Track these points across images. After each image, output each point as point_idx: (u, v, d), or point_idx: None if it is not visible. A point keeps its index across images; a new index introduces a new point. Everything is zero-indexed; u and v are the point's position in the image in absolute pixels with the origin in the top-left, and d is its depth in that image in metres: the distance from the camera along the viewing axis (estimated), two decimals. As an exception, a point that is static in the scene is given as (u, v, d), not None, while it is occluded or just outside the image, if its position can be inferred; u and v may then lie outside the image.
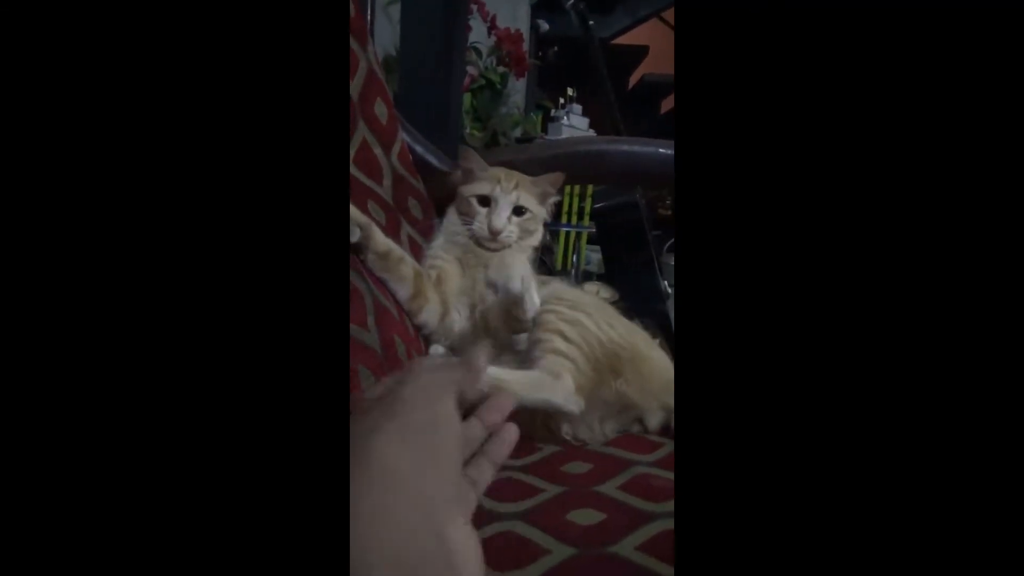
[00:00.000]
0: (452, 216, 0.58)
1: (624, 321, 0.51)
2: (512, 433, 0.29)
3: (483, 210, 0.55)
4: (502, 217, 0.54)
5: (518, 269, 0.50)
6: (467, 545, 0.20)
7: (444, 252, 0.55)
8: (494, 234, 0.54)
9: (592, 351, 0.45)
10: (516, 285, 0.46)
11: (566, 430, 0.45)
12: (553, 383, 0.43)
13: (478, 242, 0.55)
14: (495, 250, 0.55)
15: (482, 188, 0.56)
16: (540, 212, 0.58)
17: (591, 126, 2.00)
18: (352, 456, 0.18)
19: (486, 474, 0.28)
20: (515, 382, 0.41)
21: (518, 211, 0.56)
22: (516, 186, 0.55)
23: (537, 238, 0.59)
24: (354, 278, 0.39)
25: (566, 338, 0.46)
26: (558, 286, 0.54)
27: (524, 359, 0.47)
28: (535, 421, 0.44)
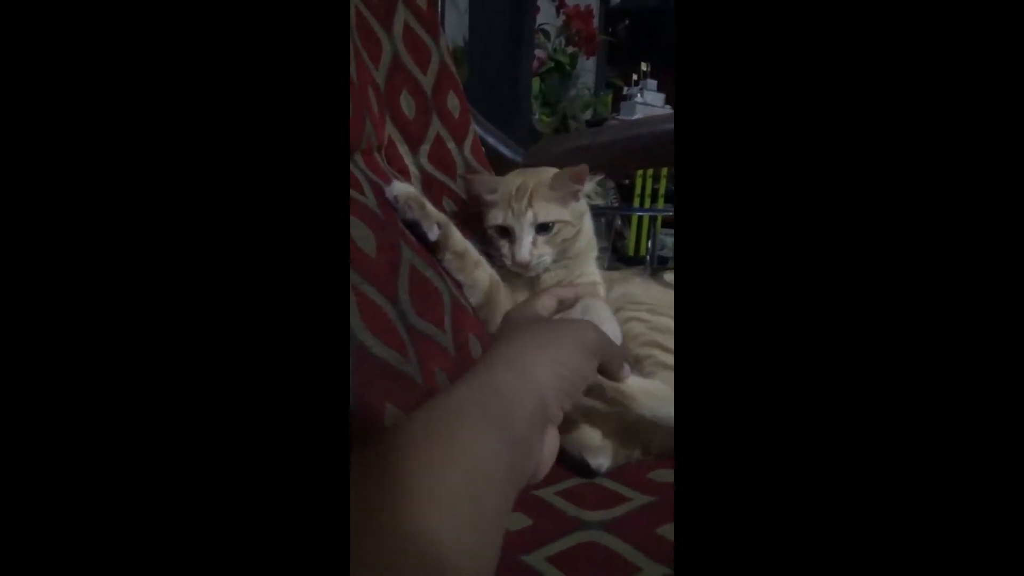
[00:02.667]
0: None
1: None
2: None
3: (504, 242, 0.47)
4: (526, 245, 0.46)
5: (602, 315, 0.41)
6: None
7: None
8: (523, 267, 0.46)
9: None
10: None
11: (658, 443, 0.41)
12: (671, 393, 0.38)
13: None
14: (532, 276, 0.48)
15: (495, 217, 0.47)
16: (571, 214, 0.49)
17: (668, 102, 1.88)
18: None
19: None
20: (643, 392, 0.36)
21: (542, 228, 0.47)
22: (529, 202, 0.46)
23: (588, 234, 0.51)
24: (432, 277, 0.38)
25: (666, 349, 0.41)
26: (629, 288, 0.49)
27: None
28: (627, 431, 0.40)
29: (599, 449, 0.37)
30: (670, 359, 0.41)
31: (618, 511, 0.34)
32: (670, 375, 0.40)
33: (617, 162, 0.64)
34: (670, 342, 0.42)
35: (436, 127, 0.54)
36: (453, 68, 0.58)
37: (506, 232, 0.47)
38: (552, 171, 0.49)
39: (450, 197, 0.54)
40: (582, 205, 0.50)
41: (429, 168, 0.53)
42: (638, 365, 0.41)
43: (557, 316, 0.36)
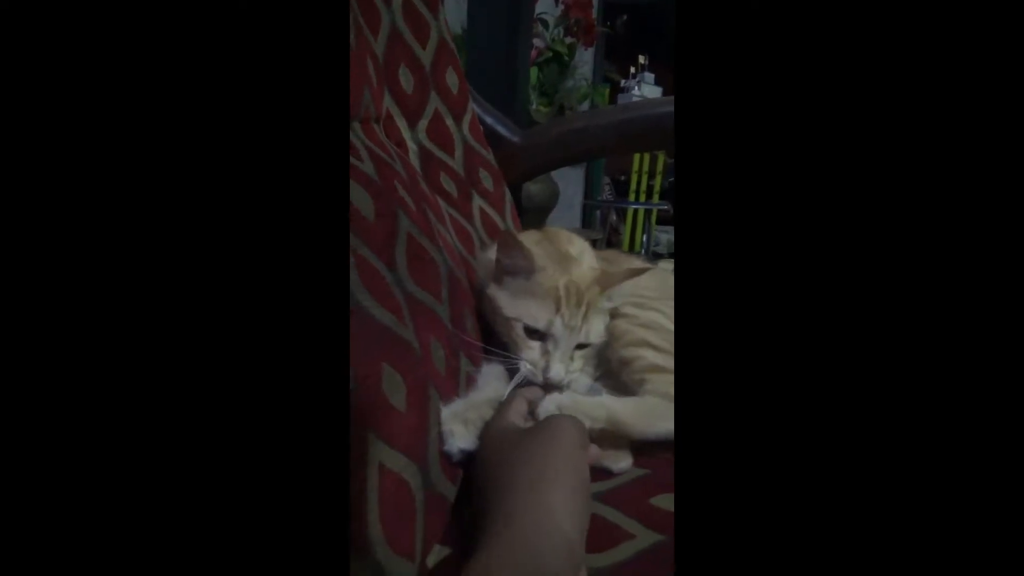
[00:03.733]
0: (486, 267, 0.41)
1: None
2: None
3: (535, 344, 0.37)
4: (561, 363, 0.36)
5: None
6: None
7: None
8: (551, 385, 0.37)
9: None
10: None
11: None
12: (669, 408, 0.36)
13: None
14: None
15: (533, 314, 0.37)
16: (604, 333, 0.40)
17: (665, 95, 1.88)
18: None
19: None
20: (630, 414, 0.35)
21: (582, 345, 0.38)
22: (586, 313, 0.37)
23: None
24: (429, 248, 0.38)
25: (655, 348, 0.38)
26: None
27: (612, 380, 0.40)
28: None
29: (616, 456, 0.36)
30: (660, 359, 0.38)
31: (611, 483, 0.34)
32: (661, 378, 0.37)
33: (614, 145, 0.64)
34: (660, 339, 0.38)
35: (435, 102, 0.54)
36: (452, 44, 0.57)
37: (540, 337, 0.37)
38: (593, 266, 0.40)
39: (448, 174, 0.54)
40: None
41: (428, 144, 0.52)
42: (626, 368, 0.38)
43: (530, 421, 0.32)
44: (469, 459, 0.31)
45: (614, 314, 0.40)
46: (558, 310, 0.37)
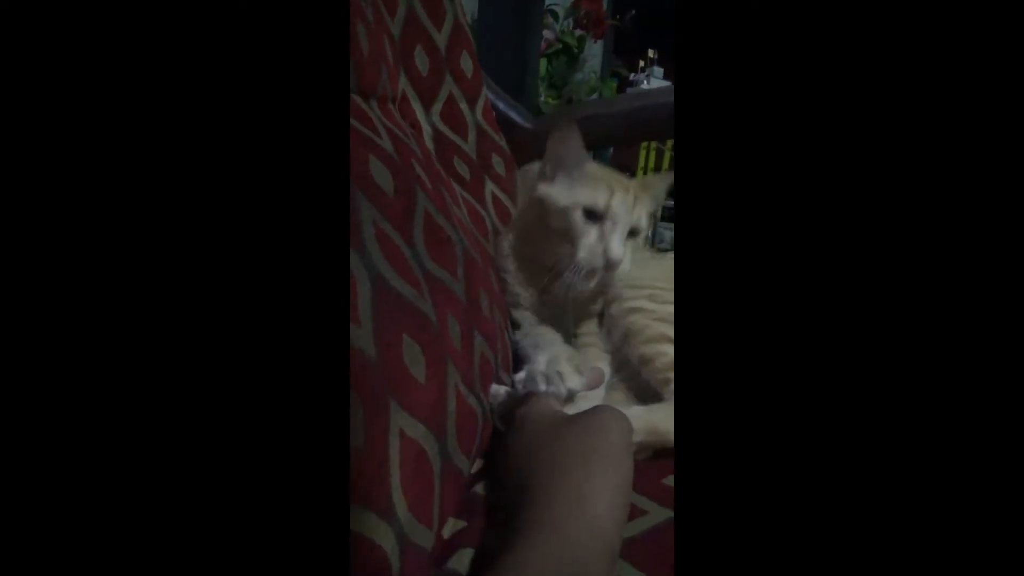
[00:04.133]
0: (506, 252, 0.43)
1: None
2: None
3: (592, 229, 0.38)
4: (621, 242, 0.38)
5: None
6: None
7: (524, 290, 0.43)
8: (612, 266, 0.38)
9: None
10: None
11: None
12: None
13: (565, 287, 0.39)
14: (586, 289, 0.39)
15: (591, 196, 0.38)
16: (648, 216, 0.42)
17: (673, 91, 1.88)
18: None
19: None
20: (668, 416, 0.34)
21: (633, 233, 0.40)
22: (636, 198, 0.39)
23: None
24: (446, 226, 0.38)
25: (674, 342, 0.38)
26: (625, 265, 0.42)
27: (631, 376, 0.40)
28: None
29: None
30: None
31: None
32: None
33: (624, 133, 0.64)
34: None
35: (449, 86, 0.54)
36: (467, 28, 0.57)
37: (597, 219, 0.38)
38: (645, 181, 0.43)
39: (461, 158, 0.54)
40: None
41: (441, 126, 0.52)
42: (648, 366, 0.38)
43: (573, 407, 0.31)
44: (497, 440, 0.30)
45: (630, 309, 0.40)
46: (613, 192, 0.39)
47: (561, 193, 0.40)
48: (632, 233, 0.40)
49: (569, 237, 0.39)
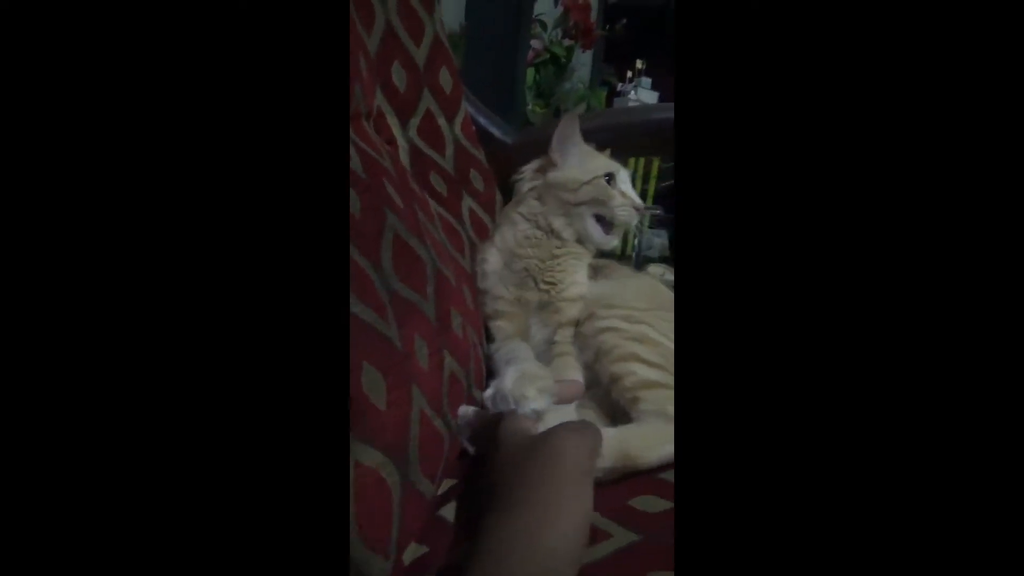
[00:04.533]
0: (520, 224, 0.48)
1: None
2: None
3: (615, 190, 0.47)
4: (633, 191, 0.48)
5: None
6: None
7: (505, 288, 0.46)
8: (640, 211, 0.47)
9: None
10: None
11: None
12: (668, 426, 0.35)
13: (580, 240, 0.48)
14: (610, 246, 0.48)
15: (607, 165, 0.48)
16: None
17: (661, 101, 1.89)
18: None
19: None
20: (642, 447, 0.34)
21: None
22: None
23: None
24: (416, 246, 0.38)
25: (646, 362, 0.38)
26: (604, 286, 0.46)
27: (602, 395, 0.40)
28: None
29: None
30: (652, 373, 0.37)
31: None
32: (655, 394, 0.36)
33: (607, 148, 0.64)
34: (651, 353, 0.38)
35: (427, 101, 0.54)
36: (447, 43, 0.57)
37: (612, 181, 0.47)
38: None
39: (439, 174, 0.54)
40: None
41: (418, 142, 0.52)
42: (617, 385, 0.38)
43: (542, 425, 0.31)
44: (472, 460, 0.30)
45: (603, 329, 0.40)
46: (607, 159, 0.49)
47: (576, 171, 0.48)
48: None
49: (599, 202, 0.47)
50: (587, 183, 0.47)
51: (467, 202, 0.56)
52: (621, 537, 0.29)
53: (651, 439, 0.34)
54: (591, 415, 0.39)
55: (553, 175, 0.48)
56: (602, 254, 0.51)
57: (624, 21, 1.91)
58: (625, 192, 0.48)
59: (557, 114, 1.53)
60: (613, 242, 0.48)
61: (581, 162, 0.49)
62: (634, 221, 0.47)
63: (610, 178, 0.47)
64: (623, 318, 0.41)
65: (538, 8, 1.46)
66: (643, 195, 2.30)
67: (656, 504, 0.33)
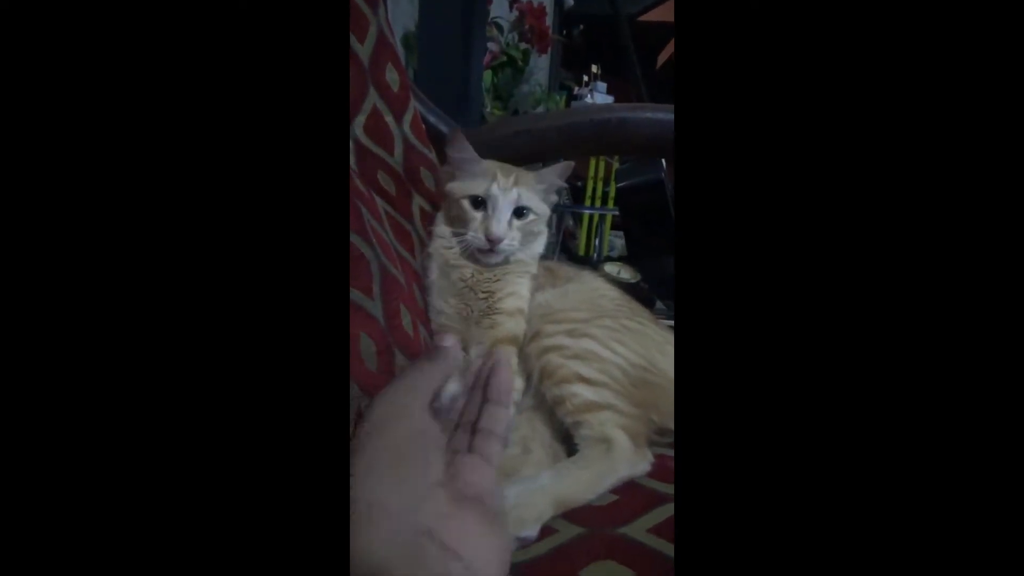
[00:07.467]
0: (441, 228, 0.47)
1: (631, 326, 0.41)
2: (502, 369, 0.31)
3: (478, 214, 0.45)
4: (502, 221, 0.44)
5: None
6: (458, 521, 0.21)
7: (444, 301, 0.45)
8: (493, 243, 0.43)
9: (622, 386, 0.37)
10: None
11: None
12: (608, 456, 0.34)
13: (473, 258, 0.45)
14: (491, 265, 0.45)
15: (475, 186, 0.45)
16: (544, 211, 0.47)
17: (616, 103, 1.94)
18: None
19: (498, 419, 0.29)
20: (577, 484, 0.33)
21: (519, 212, 0.45)
22: (515, 182, 0.45)
23: (542, 244, 0.49)
24: (359, 244, 0.37)
25: (589, 382, 0.37)
26: (549, 295, 0.45)
27: (549, 415, 0.39)
28: None
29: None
30: (594, 394, 0.36)
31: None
32: (598, 416, 0.36)
33: (556, 147, 0.65)
34: (593, 371, 0.37)
35: (373, 98, 0.53)
36: (393, 40, 0.57)
37: (481, 205, 0.45)
38: (534, 171, 0.48)
39: (387, 172, 0.53)
40: (548, 209, 0.49)
41: (364, 140, 0.51)
42: (560, 407, 0.37)
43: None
44: None
45: (546, 349, 0.39)
46: (494, 180, 0.45)
47: (457, 187, 0.47)
48: (519, 213, 0.46)
49: (462, 222, 0.46)
50: (456, 201, 0.46)
51: (417, 201, 0.55)
52: (565, 531, 0.29)
53: (586, 480, 0.33)
54: (541, 458, 0.37)
55: (448, 186, 0.48)
56: (574, 259, 0.51)
57: (581, 27, 1.95)
58: (488, 217, 0.44)
59: (515, 116, 1.54)
60: (485, 261, 0.45)
61: (464, 178, 0.47)
62: (482, 244, 0.44)
63: (476, 200, 0.45)
64: (567, 333, 0.40)
65: (494, 11, 1.46)
66: (604, 197, 2.34)
67: (603, 498, 0.33)
